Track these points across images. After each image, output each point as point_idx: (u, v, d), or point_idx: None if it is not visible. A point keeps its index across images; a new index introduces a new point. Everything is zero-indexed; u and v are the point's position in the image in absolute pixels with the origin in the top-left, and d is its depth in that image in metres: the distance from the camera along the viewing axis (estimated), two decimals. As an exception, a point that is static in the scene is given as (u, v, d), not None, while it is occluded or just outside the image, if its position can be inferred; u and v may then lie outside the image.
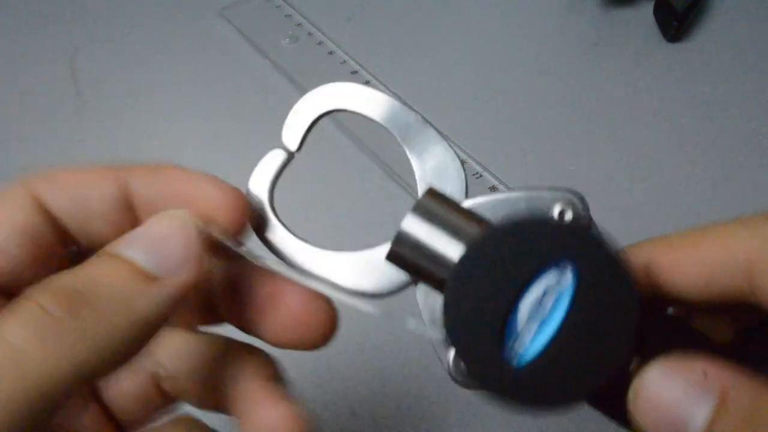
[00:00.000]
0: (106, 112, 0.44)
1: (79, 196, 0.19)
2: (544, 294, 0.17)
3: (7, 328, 0.15)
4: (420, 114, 0.22)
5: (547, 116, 0.44)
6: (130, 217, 0.20)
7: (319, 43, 0.48)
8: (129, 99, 0.45)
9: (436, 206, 0.20)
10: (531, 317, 0.17)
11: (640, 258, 0.19)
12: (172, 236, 0.17)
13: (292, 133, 0.23)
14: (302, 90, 0.45)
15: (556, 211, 0.17)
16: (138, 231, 0.18)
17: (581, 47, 0.49)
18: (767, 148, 0.42)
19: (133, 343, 0.16)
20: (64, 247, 0.19)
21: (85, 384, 0.15)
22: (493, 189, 0.40)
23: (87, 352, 0.15)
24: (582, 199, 0.18)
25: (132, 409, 0.21)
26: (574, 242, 0.17)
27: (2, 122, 0.44)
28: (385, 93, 0.21)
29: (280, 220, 0.22)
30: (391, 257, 0.20)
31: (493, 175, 0.40)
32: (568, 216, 0.17)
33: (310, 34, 0.49)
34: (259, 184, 0.23)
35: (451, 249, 0.18)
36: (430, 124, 0.23)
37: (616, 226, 0.39)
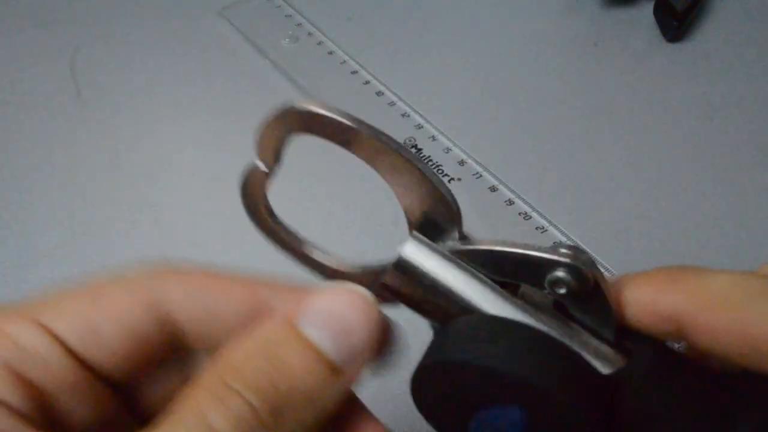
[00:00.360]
0: (106, 112, 0.44)
1: (211, 306, 0.18)
2: (497, 419, 0.17)
3: (215, 418, 0.14)
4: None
5: (546, 116, 0.44)
6: (251, 318, 0.18)
7: (319, 43, 0.48)
8: (129, 99, 0.45)
9: (420, 263, 0.19)
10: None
11: (671, 305, 0.17)
12: (358, 323, 0.17)
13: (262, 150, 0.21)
14: (302, 90, 0.45)
15: (551, 279, 0.17)
16: (322, 305, 0.17)
17: (581, 47, 0.49)
18: (767, 147, 0.42)
19: (310, 425, 0.16)
20: (171, 349, 0.18)
21: None
22: (493, 189, 0.39)
23: None
24: (587, 263, 0.17)
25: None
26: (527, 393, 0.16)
27: (2, 122, 0.44)
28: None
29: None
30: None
31: (493, 175, 0.40)
32: (562, 291, 0.17)
33: (310, 34, 0.49)
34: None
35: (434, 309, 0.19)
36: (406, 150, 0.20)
37: (617, 226, 0.40)
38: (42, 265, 0.37)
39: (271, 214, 0.22)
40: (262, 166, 0.21)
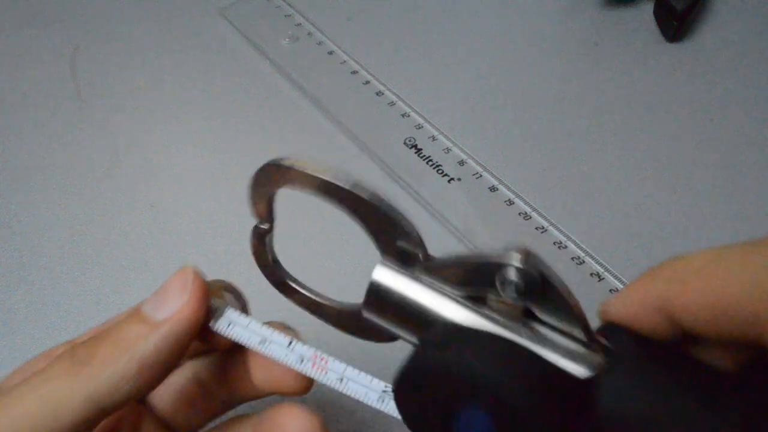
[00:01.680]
0: (106, 112, 0.44)
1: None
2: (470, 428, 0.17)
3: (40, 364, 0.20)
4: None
5: (546, 116, 0.44)
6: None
7: (319, 43, 0.48)
8: (129, 98, 0.45)
9: (389, 285, 0.21)
10: None
11: (653, 292, 0.18)
12: (172, 284, 0.21)
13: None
14: (302, 90, 0.45)
15: (501, 281, 0.17)
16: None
17: (581, 47, 0.49)
18: (767, 147, 0.42)
19: (136, 379, 0.20)
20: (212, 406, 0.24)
21: (100, 413, 0.19)
22: (493, 189, 0.40)
23: (97, 385, 0.19)
24: (530, 261, 0.18)
25: (185, 415, 0.24)
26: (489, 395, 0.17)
27: (2, 121, 0.44)
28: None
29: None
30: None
31: (493, 175, 0.40)
32: (513, 293, 0.17)
33: (310, 34, 0.49)
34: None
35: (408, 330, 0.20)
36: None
37: (617, 226, 0.40)
38: (42, 265, 0.37)
39: (277, 264, 0.25)
40: (262, 225, 0.24)
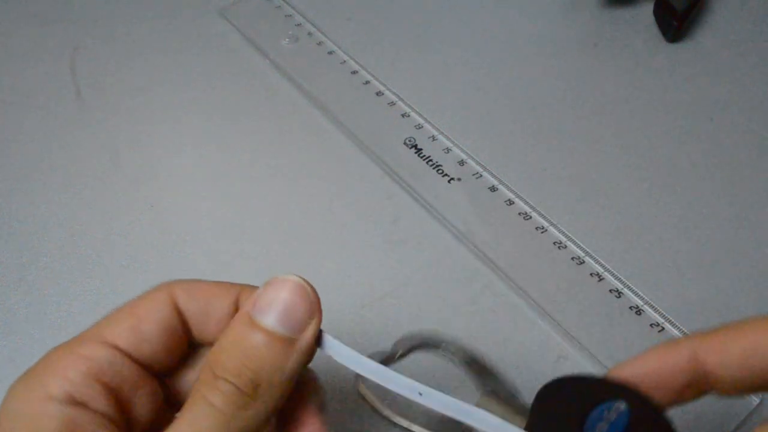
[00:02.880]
0: (106, 112, 0.44)
1: (207, 306, 0.23)
2: (601, 419, 0.19)
3: (213, 399, 0.20)
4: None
5: (546, 116, 0.44)
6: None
7: (319, 43, 0.48)
8: (128, 98, 0.45)
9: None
10: None
11: (687, 347, 0.20)
12: (295, 302, 0.21)
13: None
14: (302, 90, 0.45)
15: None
16: (266, 297, 0.21)
17: (581, 47, 0.49)
18: (767, 147, 0.42)
19: (287, 393, 0.21)
20: (185, 341, 0.23)
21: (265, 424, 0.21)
22: (493, 189, 0.40)
23: (264, 411, 0.21)
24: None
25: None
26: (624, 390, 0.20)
27: (2, 122, 0.44)
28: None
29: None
30: None
31: (493, 175, 0.40)
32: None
33: (310, 34, 0.49)
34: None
35: None
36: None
37: (617, 226, 0.40)
38: (42, 265, 0.37)
39: None
40: None
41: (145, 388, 0.22)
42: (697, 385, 0.20)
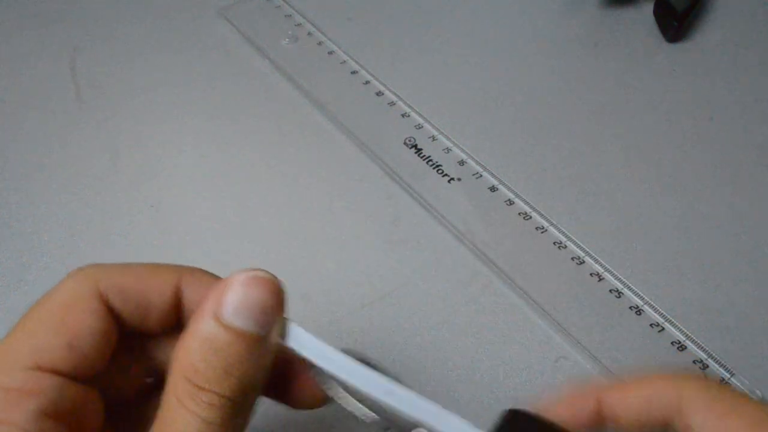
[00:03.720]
0: (106, 112, 0.44)
1: (142, 298, 0.21)
2: None
3: (205, 414, 0.19)
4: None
5: (546, 116, 0.44)
6: (176, 312, 0.22)
7: (319, 43, 0.48)
8: (128, 98, 0.45)
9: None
10: None
11: (593, 394, 0.22)
12: (268, 300, 0.20)
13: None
14: (302, 90, 0.45)
15: None
16: (237, 296, 0.19)
17: (581, 47, 0.49)
18: (767, 147, 0.42)
19: (262, 381, 0.20)
20: (120, 338, 0.21)
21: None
22: (493, 189, 0.40)
23: (251, 409, 0.20)
24: None
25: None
26: None
27: (1, 121, 0.44)
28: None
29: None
30: None
31: (493, 175, 0.40)
32: None
33: (310, 34, 0.49)
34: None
35: None
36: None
37: (617, 226, 0.40)
38: (42, 265, 0.37)
39: None
40: None
41: (90, 404, 0.20)
42: (603, 424, 0.22)
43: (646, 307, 0.35)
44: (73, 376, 0.19)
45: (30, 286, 0.36)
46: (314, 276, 0.37)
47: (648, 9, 0.50)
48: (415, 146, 0.42)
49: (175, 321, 0.22)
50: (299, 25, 0.49)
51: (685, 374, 0.23)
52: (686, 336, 0.33)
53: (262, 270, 0.20)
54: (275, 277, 0.20)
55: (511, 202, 0.39)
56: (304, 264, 0.37)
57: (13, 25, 0.50)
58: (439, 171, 0.40)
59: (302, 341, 0.20)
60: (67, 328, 0.20)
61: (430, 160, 0.41)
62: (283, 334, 0.20)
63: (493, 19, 0.51)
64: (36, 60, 0.47)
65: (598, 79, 0.46)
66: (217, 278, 0.23)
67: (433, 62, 0.48)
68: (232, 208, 0.39)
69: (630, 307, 0.35)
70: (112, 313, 0.21)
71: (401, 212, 0.39)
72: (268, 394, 0.23)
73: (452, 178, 0.40)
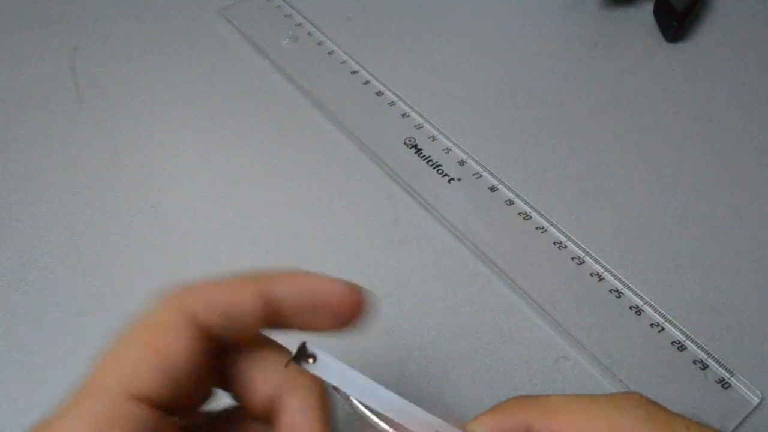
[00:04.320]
0: (106, 112, 0.44)
1: (231, 314, 0.20)
2: None
3: None
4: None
5: (546, 116, 0.44)
6: (274, 321, 0.21)
7: (319, 43, 0.48)
8: (128, 98, 0.45)
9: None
10: None
11: (519, 419, 0.21)
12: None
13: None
14: (302, 90, 0.45)
15: None
16: None
17: (581, 47, 0.49)
18: (767, 147, 0.42)
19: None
20: (215, 357, 0.20)
21: None
22: (493, 189, 0.40)
23: None
24: None
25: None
26: None
27: (1, 121, 0.44)
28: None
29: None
30: None
31: (493, 175, 0.40)
32: None
33: (310, 34, 0.49)
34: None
35: None
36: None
37: (617, 226, 0.40)
38: (42, 265, 0.37)
39: None
40: None
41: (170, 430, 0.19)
42: None
43: (646, 307, 0.35)
44: (166, 405, 0.18)
45: (30, 286, 0.36)
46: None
47: (648, 9, 0.50)
48: (415, 146, 0.42)
49: (265, 327, 0.21)
50: (299, 25, 0.49)
51: (629, 399, 0.22)
52: (686, 336, 0.33)
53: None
54: None
55: (511, 202, 0.39)
56: (304, 264, 0.37)
57: (13, 25, 0.50)
58: (439, 171, 0.40)
59: (326, 368, 0.21)
60: (153, 348, 0.18)
61: (430, 160, 0.41)
62: (305, 360, 0.21)
63: (493, 19, 0.51)
64: (36, 60, 0.47)
65: (598, 79, 0.46)
66: (314, 277, 0.22)
67: (433, 62, 0.48)
68: (232, 208, 0.39)
69: (630, 307, 0.35)
70: (205, 336, 0.19)
71: (401, 212, 0.39)
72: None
73: (452, 178, 0.40)
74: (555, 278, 0.36)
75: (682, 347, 0.33)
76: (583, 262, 0.36)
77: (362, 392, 0.21)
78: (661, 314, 0.34)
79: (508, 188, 0.40)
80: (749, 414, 0.31)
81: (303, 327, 0.21)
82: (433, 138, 0.42)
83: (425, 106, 0.44)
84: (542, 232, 0.38)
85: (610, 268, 0.36)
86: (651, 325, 0.34)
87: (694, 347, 0.33)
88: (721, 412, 0.31)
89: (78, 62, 0.47)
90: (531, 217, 0.38)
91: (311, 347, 0.21)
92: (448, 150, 0.42)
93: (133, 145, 0.42)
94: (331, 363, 0.21)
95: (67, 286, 0.36)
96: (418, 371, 0.33)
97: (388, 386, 0.21)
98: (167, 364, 0.18)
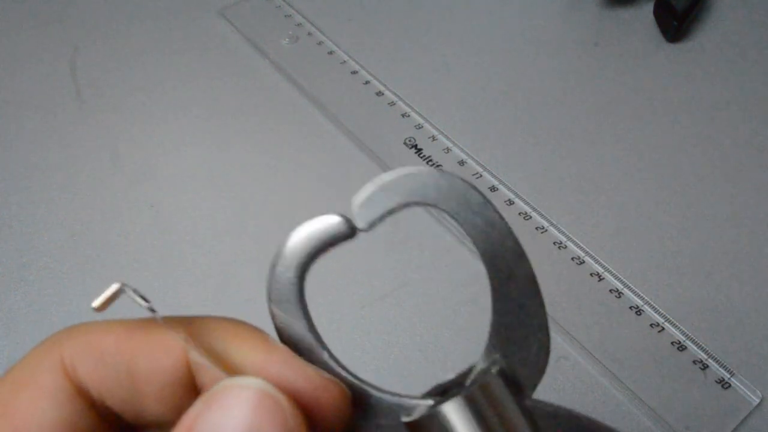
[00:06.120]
0: (106, 112, 0.44)
1: (124, 372, 0.14)
2: None
3: None
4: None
5: (546, 116, 0.44)
6: (189, 390, 0.15)
7: (319, 43, 0.48)
8: (128, 98, 0.45)
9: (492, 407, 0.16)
10: None
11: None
12: (264, 426, 0.13)
13: (368, 209, 0.18)
14: (302, 90, 0.45)
15: None
16: (217, 421, 0.13)
17: (581, 47, 0.49)
18: (767, 147, 0.42)
19: None
20: (109, 427, 0.15)
21: None
22: (493, 189, 0.40)
23: None
24: None
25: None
26: None
27: (2, 121, 0.44)
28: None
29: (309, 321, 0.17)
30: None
31: (493, 175, 0.40)
32: None
33: (310, 34, 0.49)
34: (294, 256, 0.18)
35: None
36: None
37: (617, 226, 0.40)
38: (42, 265, 0.37)
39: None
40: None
41: None
42: None
43: (646, 307, 0.35)
44: None
45: (30, 286, 0.36)
46: (314, 276, 0.36)
47: (648, 9, 0.50)
48: (415, 146, 0.42)
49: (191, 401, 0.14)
50: (299, 25, 0.49)
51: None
52: (686, 336, 0.33)
53: (259, 379, 0.13)
54: (277, 391, 0.13)
55: (511, 202, 0.39)
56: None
57: (13, 25, 0.50)
58: (439, 171, 0.40)
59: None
60: (11, 417, 0.13)
61: (430, 160, 0.41)
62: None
63: (493, 19, 0.51)
64: (36, 60, 0.47)
65: (598, 79, 0.46)
66: (256, 331, 0.16)
67: (433, 62, 0.48)
68: (232, 208, 0.39)
69: (630, 307, 0.35)
70: (84, 396, 0.14)
71: (401, 212, 0.39)
72: None
73: (452, 178, 0.40)
74: (555, 278, 0.36)
75: (682, 347, 0.33)
76: (583, 262, 0.36)
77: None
78: (661, 314, 0.34)
79: (508, 188, 0.40)
80: (749, 414, 0.31)
81: None
82: (433, 138, 0.42)
83: (425, 106, 0.44)
84: (542, 232, 0.38)
85: (610, 268, 0.36)
86: (651, 325, 0.34)
87: (694, 347, 0.33)
88: (721, 412, 0.31)
89: (78, 62, 0.47)
90: (531, 217, 0.38)
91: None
92: (448, 150, 0.42)
93: (133, 145, 0.42)
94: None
95: (67, 286, 0.36)
96: (419, 371, 0.33)
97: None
98: (16, 430, 0.13)
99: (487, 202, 0.18)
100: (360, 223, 0.18)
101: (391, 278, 0.36)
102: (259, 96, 0.45)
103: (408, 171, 0.17)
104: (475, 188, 0.17)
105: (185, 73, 0.47)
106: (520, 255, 0.18)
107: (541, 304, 0.17)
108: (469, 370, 0.17)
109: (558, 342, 0.34)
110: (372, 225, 0.18)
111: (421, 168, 0.17)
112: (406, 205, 0.18)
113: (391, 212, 0.18)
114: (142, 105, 0.45)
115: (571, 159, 0.42)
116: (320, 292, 0.36)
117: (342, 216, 0.18)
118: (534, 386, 0.17)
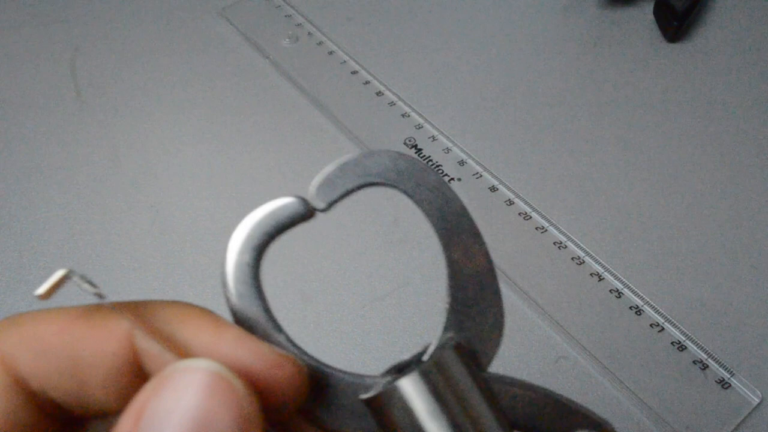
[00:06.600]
0: (106, 112, 0.44)
1: (67, 361, 0.14)
2: None
3: None
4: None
5: (546, 116, 0.44)
6: (136, 376, 0.15)
7: (319, 43, 0.48)
8: (129, 99, 0.45)
9: (453, 378, 0.16)
10: None
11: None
12: (217, 410, 0.12)
13: (326, 189, 0.19)
14: (302, 90, 0.45)
15: None
16: (170, 404, 0.12)
17: (581, 47, 0.49)
18: (767, 147, 0.42)
19: None
20: (52, 420, 0.14)
21: None
22: (493, 189, 0.40)
23: None
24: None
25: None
26: None
27: (2, 122, 0.44)
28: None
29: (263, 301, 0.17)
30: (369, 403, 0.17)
31: (493, 175, 0.40)
32: None
33: (310, 34, 0.49)
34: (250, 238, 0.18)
35: None
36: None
37: (617, 226, 0.40)
38: (42, 265, 0.37)
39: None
40: None
41: None
42: None
43: (646, 307, 0.35)
44: None
45: (30, 286, 0.36)
46: (314, 276, 0.37)
47: (648, 9, 0.50)
48: (415, 146, 0.42)
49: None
50: (299, 25, 0.49)
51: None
52: (686, 336, 0.33)
53: (210, 360, 0.13)
54: (230, 372, 0.13)
55: (511, 202, 0.39)
56: (304, 264, 0.37)
57: (13, 25, 0.50)
58: (440, 171, 0.40)
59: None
60: None
61: (430, 160, 0.41)
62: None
63: (493, 19, 0.51)
64: (36, 60, 0.47)
65: (598, 79, 0.46)
66: (206, 312, 0.16)
67: (433, 62, 0.48)
68: (232, 208, 0.39)
69: (630, 307, 0.35)
70: (23, 389, 0.14)
71: (401, 212, 0.39)
72: None
73: (452, 178, 0.40)
74: (555, 278, 0.36)
75: (682, 347, 0.33)
76: (583, 262, 0.36)
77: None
78: (661, 314, 0.34)
79: (508, 188, 0.40)
80: (749, 414, 0.31)
81: None
82: (433, 138, 0.42)
83: (425, 106, 0.44)
84: (542, 232, 0.38)
85: (610, 268, 0.36)
86: (651, 325, 0.34)
87: (694, 347, 0.33)
88: (721, 412, 0.31)
89: (78, 62, 0.47)
90: (531, 217, 0.38)
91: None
92: (448, 150, 0.42)
93: (133, 145, 0.42)
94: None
95: (67, 285, 0.36)
96: (418, 371, 0.33)
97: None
98: None
99: (443, 182, 0.19)
100: (319, 204, 0.19)
101: (391, 278, 0.36)
102: (259, 96, 0.45)
103: (367, 152, 0.18)
104: (431, 170, 0.19)
105: (185, 73, 0.47)
106: (466, 215, 0.19)
107: (494, 276, 0.18)
108: (426, 348, 0.18)
109: (558, 342, 0.34)
110: (330, 205, 0.19)
111: (380, 149, 0.18)
112: (365, 185, 0.19)
113: (349, 192, 0.19)
114: (142, 105, 0.45)
115: (571, 159, 0.42)
116: (321, 292, 0.36)
117: (297, 197, 0.18)
118: (490, 358, 0.18)
